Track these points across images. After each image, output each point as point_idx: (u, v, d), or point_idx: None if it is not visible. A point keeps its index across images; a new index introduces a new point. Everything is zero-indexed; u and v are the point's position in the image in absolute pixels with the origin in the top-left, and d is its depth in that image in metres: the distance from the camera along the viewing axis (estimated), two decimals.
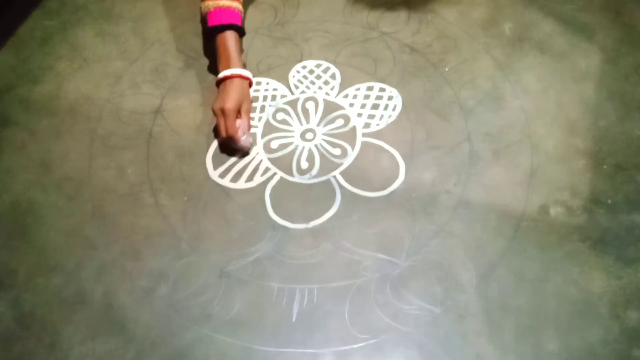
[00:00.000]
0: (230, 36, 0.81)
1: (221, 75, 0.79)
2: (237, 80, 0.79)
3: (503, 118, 0.81)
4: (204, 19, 0.83)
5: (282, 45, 0.91)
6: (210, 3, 0.81)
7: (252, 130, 0.83)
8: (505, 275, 0.68)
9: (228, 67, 0.79)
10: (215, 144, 0.81)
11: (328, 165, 0.79)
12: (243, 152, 0.79)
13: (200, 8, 0.83)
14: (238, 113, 0.78)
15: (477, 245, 0.71)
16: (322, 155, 0.80)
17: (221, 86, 0.79)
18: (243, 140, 0.78)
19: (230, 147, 0.79)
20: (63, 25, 0.95)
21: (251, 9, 0.95)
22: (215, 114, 0.78)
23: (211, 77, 0.88)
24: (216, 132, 0.80)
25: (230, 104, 0.76)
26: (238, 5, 0.82)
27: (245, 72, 0.80)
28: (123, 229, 0.74)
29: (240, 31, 0.83)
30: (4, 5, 0.97)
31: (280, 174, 0.78)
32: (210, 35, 0.82)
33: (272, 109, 0.85)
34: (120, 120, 0.84)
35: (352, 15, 0.94)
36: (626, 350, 0.63)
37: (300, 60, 0.89)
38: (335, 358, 0.64)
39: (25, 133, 0.83)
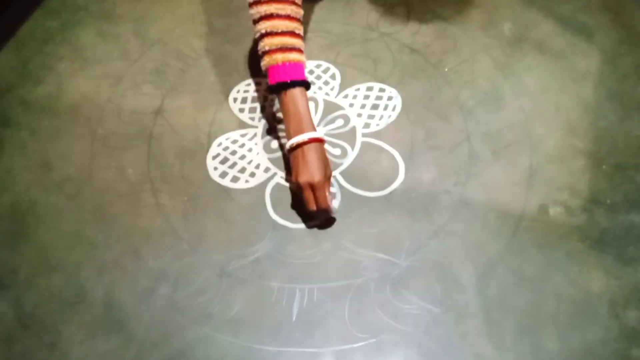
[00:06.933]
0: (299, 94, 0.72)
1: (295, 141, 0.71)
2: (314, 146, 0.71)
3: (502, 118, 0.82)
4: (264, 72, 0.74)
5: None
6: (279, 57, 0.71)
7: (253, 130, 0.83)
8: (504, 275, 0.69)
9: (301, 130, 0.71)
10: (215, 145, 0.81)
11: None
12: (328, 217, 0.73)
13: (261, 57, 0.73)
14: None
15: (477, 245, 0.71)
16: None
17: (298, 154, 0.71)
18: (332, 207, 0.72)
19: (316, 215, 0.73)
20: (64, 26, 0.95)
21: None
22: (301, 188, 0.70)
23: (211, 77, 0.88)
24: (298, 203, 0.74)
25: (318, 176, 0.69)
26: (304, 59, 0.74)
27: (320, 135, 0.72)
28: (124, 228, 0.74)
29: (308, 86, 0.74)
30: (4, 5, 0.97)
31: (280, 174, 0.78)
32: (274, 91, 0.73)
33: (276, 107, 0.85)
34: (120, 121, 0.84)
35: (352, 16, 0.95)
36: (625, 350, 0.63)
37: None
38: (335, 357, 0.64)
39: (26, 133, 0.83)
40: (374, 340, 0.65)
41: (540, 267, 0.69)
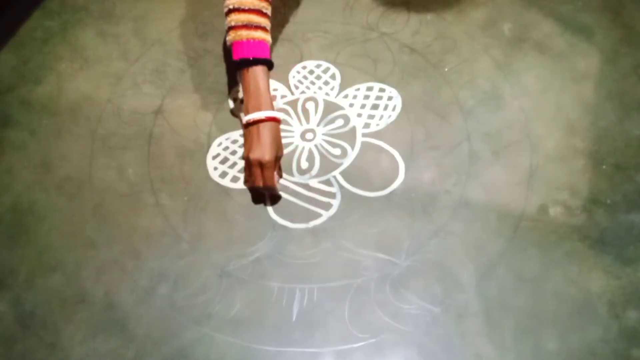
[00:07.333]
0: (260, 72, 0.74)
1: (252, 117, 0.72)
2: (269, 125, 0.72)
3: (502, 118, 0.82)
4: (228, 47, 0.76)
5: (282, 46, 0.91)
6: (244, 33, 0.73)
7: None
8: (504, 275, 0.69)
9: (258, 107, 0.72)
10: (215, 145, 0.81)
11: (328, 165, 0.79)
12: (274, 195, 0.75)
13: (227, 33, 0.75)
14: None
15: (477, 245, 0.71)
16: (322, 155, 0.80)
17: (253, 130, 0.72)
18: (278, 186, 0.75)
19: (262, 193, 0.75)
20: (64, 26, 0.95)
21: None
22: (250, 164, 0.72)
23: (211, 77, 0.88)
24: (247, 178, 0.76)
25: (268, 154, 0.71)
26: (269, 38, 0.76)
27: (278, 114, 0.74)
28: (124, 228, 0.74)
29: (270, 65, 0.76)
30: (4, 5, 0.97)
31: None
32: (237, 67, 0.75)
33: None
34: (121, 121, 0.84)
35: (352, 16, 0.95)
36: (625, 350, 0.63)
37: (301, 61, 0.90)
38: (335, 357, 0.64)
39: (26, 133, 0.83)
40: (374, 340, 0.65)
41: (540, 267, 0.69)
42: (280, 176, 0.77)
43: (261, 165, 0.71)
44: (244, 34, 0.73)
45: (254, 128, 0.73)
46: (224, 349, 0.65)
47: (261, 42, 0.74)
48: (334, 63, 0.89)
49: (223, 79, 0.88)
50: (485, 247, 0.71)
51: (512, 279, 0.68)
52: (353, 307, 0.67)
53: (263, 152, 0.71)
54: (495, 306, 0.67)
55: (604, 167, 0.77)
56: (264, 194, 0.75)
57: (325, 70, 0.88)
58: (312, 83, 0.87)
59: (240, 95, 0.83)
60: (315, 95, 0.86)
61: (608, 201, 0.74)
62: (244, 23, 0.74)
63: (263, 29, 0.75)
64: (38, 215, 0.75)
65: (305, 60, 0.90)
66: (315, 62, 0.89)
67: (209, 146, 0.81)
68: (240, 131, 0.83)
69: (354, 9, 0.95)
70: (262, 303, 0.68)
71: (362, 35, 0.92)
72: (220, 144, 0.81)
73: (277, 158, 0.74)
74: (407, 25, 0.93)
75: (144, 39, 0.93)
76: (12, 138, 0.83)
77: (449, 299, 0.67)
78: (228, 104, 0.85)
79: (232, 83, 0.87)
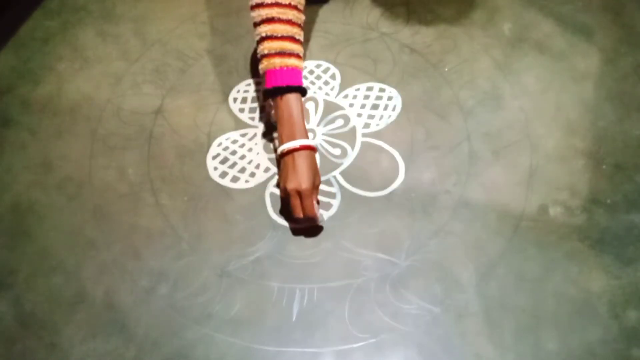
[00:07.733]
0: (294, 100, 0.72)
1: (286, 147, 0.71)
2: (305, 153, 0.71)
3: (502, 118, 0.82)
4: (262, 75, 0.75)
5: None
6: (277, 61, 0.72)
7: (253, 130, 0.83)
8: (504, 275, 0.69)
9: (293, 136, 0.71)
10: (215, 145, 0.81)
11: (328, 165, 0.79)
12: (315, 225, 0.73)
13: (260, 60, 0.74)
14: None
15: (477, 245, 0.71)
16: (322, 155, 0.80)
17: (288, 160, 0.71)
18: (319, 216, 0.72)
19: (302, 222, 0.72)
20: (64, 26, 0.96)
21: None
22: (288, 194, 0.70)
23: (211, 77, 0.88)
24: (286, 210, 0.74)
25: (306, 183, 0.69)
26: (302, 64, 0.75)
27: (313, 143, 0.73)
28: (123, 228, 0.74)
29: (304, 92, 0.75)
30: (4, 5, 0.97)
31: None
32: (270, 95, 0.74)
33: (272, 110, 0.85)
34: (121, 121, 0.84)
35: (352, 16, 0.95)
36: (625, 350, 0.63)
37: None
38: (335, 357, 0.64)
39: (26, 133, 0.83)
40: (374, 340, 0.65)
41: (540, 267, 0.69)
42: (318, 203, 0.74)
43: (299, 194, 0.69)
44: (277, 61, 0.72)
45: (289, 158, 0.71)
46: (224, 349, 0.65)
47: (294, 69, 0.73)
48: (334, 63, 0.89)
49: (223, 79, 0.88)
50: (485, 247, 0.71)
51: (512, 279, 0.68)
52: (353, 307, 0.67)
53: (300, 180, 0.69)
54: (495, 306, 0.66)
55: (604, 167, 0.77)
56: (303, 224, 0.73)
57: (325, 70, 0.89)
58: (312, 83, 0.87)
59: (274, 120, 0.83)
60: (315, 95, 0.86)
61: (608, 201, 0.74)
62: (277, 51, 0.72)
63: (296, 55, 0.74)
64: (38, 215, 0.75)
65: (305, 60, 0.90)
66: (315, 62, 0.90)
67: (209, 146, 0.81)
68: (241, 131, 0.83)
69: (354, 9, 0.95)
70: (262, 303, 0.68)
71: (362, 35, 0.92)
72: (220, 144, 0.81)
73: (315, 186, 0.72)
74: (407, 25, 0.93)
75: (144, 39, 0.93)
76: (12, 138, 0.83)
77: (449, 299, 0.67)
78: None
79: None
